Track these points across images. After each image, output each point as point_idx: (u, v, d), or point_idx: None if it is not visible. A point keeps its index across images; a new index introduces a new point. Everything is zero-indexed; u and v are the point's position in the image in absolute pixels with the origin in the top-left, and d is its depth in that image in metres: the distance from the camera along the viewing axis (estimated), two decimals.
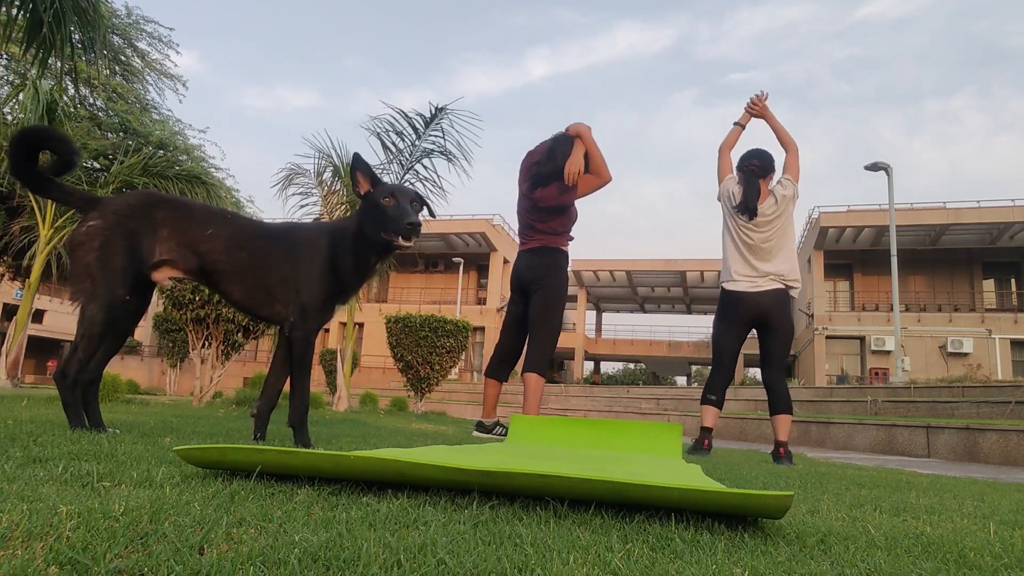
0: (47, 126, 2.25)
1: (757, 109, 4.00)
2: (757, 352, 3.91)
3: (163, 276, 2.19)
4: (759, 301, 3.76)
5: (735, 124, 4.07)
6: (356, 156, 2.20)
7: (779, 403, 3.74)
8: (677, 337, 40.45)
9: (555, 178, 3.64)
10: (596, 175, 3.65)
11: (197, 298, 6.35)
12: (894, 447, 6.68)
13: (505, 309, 3.82)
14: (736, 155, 4.03)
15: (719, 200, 4.02)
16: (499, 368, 3.89)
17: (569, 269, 3.91)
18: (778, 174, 3.91)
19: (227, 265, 2.18)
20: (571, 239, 3.85)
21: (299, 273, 2.19)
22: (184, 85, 13.76)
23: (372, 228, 2.18)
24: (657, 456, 2.60)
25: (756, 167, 3.86)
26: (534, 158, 3.80)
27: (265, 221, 2.43)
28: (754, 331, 3.96)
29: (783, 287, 3.78)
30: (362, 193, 2.21)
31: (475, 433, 3.90)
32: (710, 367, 4.04)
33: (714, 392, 3.87)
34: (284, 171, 9.49)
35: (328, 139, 14.18)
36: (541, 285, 3.71)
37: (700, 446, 3.77)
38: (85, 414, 2.13)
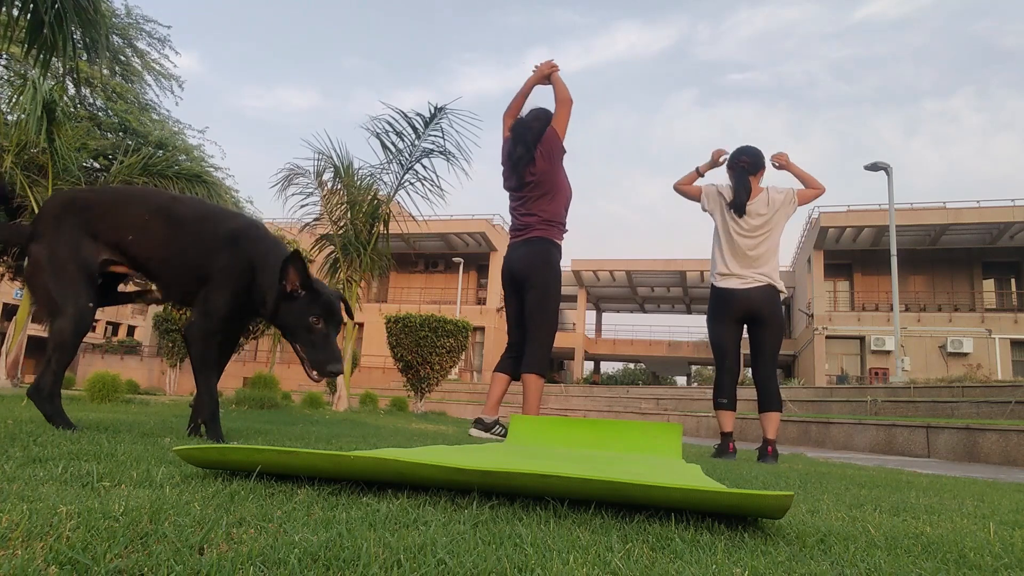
0: None
1: (780, 162, 4.02)
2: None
3: (118, 270, 2.24)
4: (749, 297, 3.79)
5: (695, 169, 4.10)
6: (295, 253, 2.06)
7: (770, 401, 3.75)
8: (677, 337, 40.52)
9: (530, 156, 3.70)
10: (561, 103, 3.76)
11: None
12: (894, 447, 6.68)
13: (503, 309, 3.82)
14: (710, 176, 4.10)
15: (705, 211, 4.03)
16: (510, 364, 3.77)
17: (570, 269, 3.93)
18: (774, 179, 3.97)
19: (148, 261, 2.21)
20: (565, 231, 3.83)
21: (216, 281, 2.17)
22: (180, 86, 13.74)
23: (285, 320, 2.10)
24: (657, 456, 2.60)
25: (747, 163, 3.90)
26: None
27: (205, 209, 2.33)
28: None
29: (771, 284, 3.81)
30: (288, 291, 2.07)
31: (472, 430, 3.76)
32: (711, 367, 4.06)
33: (724, 395, 3.85)
34: (283, 171, 9.49)
35: (328, 139, 14.20)
36: (533, 284, 3.67)
37: (725, 450, 3.77)
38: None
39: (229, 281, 2.18)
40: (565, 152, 3.80)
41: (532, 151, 3.71)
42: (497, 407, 3.78)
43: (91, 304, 2.11)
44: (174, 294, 2.30)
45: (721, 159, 4.04)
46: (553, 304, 3.70)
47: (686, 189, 4.07)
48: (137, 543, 0.74)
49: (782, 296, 3.88)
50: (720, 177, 4.07)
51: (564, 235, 3.83)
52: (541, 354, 3.62)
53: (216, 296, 2.17)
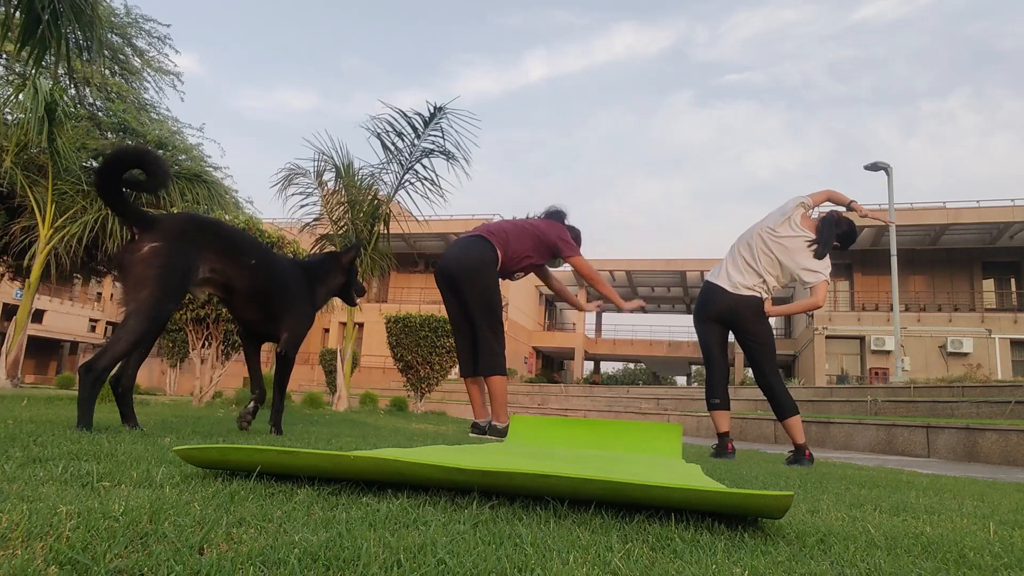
0: (147, 149, 2.33)
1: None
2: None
3: (201, 292, 2.43)
4: (731, 301, 3.72)
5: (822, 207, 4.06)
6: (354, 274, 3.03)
7: (784, 406, 3.66)
8: (677, 337, 40.42)
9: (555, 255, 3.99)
10: (589, 279, 4.09)
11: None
12: (894, 447, 6.68)
13: (448, 310, 3.88)
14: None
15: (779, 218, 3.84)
16: (472, 366, 3.86)
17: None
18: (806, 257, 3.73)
19: (248, 291, 2.46)
20: (518, 265, 3.93)
21: (294, 305, 2.65)
22: (180, 80, 13.70)
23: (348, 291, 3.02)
24: (657, 456, 2.61)
25: (842, 238, 3.89)
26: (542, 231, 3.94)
27: (282, 256, 2.82)
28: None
29: (760, 296, 3.72)
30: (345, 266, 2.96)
31: (471, 435, 3.87)
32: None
33: (717, 394, 3.82)
34: (283, 171, 9.47)
35: (328, 139, 14.18)
36: (470, 289, 3.70)
37: (724, 450, 3.74)
38: (120, 414, 2.38)
39: (305, 302, 2.73)
40: (545, 260, 4.03)
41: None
42: (484, 407, 3.88)
43: (172, 308, 2.22)
44: (252, 319, 2.62)
45: (845, 220, 3.99)
46: (497, 305, 3.73)
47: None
48: (137, 543, 0.74)
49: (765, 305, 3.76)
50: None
51: (504, 256, 3.82)
52: (497, 354, 3.70)
53: (297, 319, 2.68)
